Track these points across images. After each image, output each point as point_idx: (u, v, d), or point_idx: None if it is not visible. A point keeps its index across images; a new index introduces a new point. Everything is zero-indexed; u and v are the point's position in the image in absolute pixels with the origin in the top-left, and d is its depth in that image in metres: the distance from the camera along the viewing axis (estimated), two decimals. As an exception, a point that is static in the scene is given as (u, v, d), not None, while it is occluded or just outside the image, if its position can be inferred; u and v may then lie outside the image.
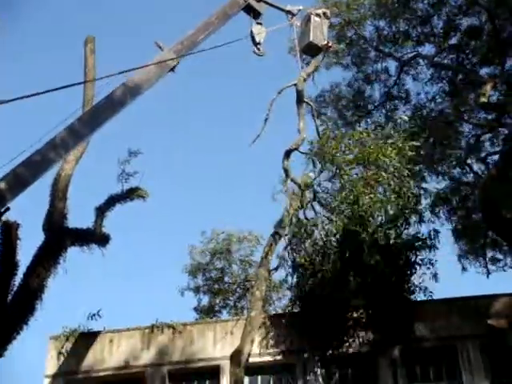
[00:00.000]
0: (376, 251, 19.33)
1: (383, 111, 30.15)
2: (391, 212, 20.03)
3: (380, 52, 29.97)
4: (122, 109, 12.28)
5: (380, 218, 20.18)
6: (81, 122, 11.52)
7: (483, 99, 24.71)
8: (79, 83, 11.40)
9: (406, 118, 26.57)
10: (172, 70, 13.41)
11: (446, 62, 29.28)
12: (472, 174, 28.64)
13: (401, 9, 28.39)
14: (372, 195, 19.82)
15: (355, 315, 20.19)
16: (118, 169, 21.86)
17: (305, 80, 24.21)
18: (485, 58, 27.73)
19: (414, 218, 20.62)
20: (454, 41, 29.06)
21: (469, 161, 28.24)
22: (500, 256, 28.25)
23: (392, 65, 30.23)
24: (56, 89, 10.45)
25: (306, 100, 23.80)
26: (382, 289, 19.39)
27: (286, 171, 22.44)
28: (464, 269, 28.03)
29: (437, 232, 20.82)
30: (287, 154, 22.52)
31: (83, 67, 20.28)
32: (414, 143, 21.34)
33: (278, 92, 24.19)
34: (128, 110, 12.63)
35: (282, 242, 21.51)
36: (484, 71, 28.30)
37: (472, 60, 28.55)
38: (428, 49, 29.53)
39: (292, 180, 22.27)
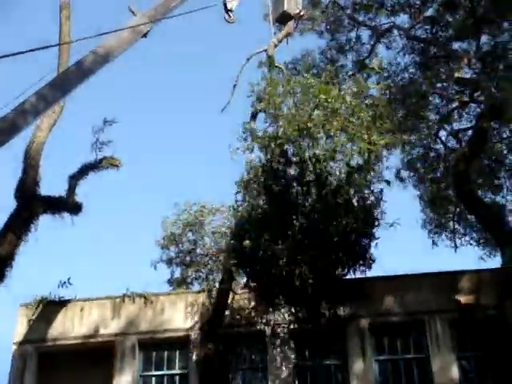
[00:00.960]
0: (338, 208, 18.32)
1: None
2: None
3: (354, 20, 29.84)
4: (92, 75, 12.11)
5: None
6: (50, 87, 11.31)
7: (457, 74, 24.82)
8: (51, 46, 11.13)
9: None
10: (145, 35, 13.21)
11: (420, 33, 29.27)
12: (442, 146, 28.85)
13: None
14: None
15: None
16: (92, 137, 21.54)
17: (276, 46, 23.97)
18: (460, 33, 27.71)
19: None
20: (430, 12, 29.01)
21: (440, 133, 28.44)
22: (466, 230, 28.52)
23: (365, 34, 30.14)
24: (28, 51, 10.24)
25: (277, 65, 23.55)
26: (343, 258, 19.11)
27: (250, 132, 21.62)
28: (434, 243, 28.22)
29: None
30: (253, 116, 22.00)
31: (58, 34, 19.99)
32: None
33: (247, 58, 24.01)
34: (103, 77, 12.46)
35: None
36: (458, 46, 28.33)
37: (446, 34, 28.54)
38: (403, 19, 29.48)
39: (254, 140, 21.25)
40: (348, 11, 29.89)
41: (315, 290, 18.42)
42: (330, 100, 18.39)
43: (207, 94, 51.97)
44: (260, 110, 20.58)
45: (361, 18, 29.87)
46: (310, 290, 18.12)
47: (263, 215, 18.58)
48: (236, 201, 19.65)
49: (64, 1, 20.50)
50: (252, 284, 19.67)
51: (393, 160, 27.19)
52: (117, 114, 31.19)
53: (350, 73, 28.97)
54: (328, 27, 30.14)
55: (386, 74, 29.31)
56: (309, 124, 18.13)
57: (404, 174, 29.29)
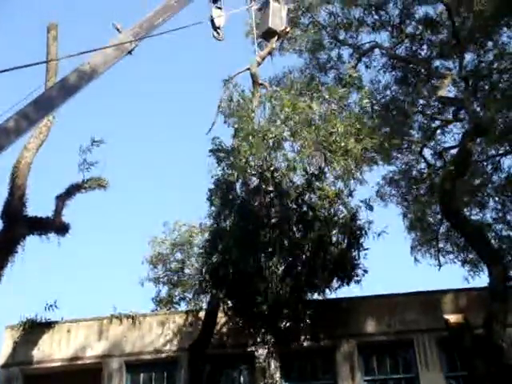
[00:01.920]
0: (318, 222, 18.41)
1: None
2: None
3: (335, 39, 29.99)
4: (76, 92, 12.09)
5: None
6: (35, 105, 11.26)
7: (441, 92, 24.99)
8: (36, 64, 11.06)
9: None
10: (130, 52, 13.21)
11: (400, 51, 29.44)
12: (425, 164, 28.96)
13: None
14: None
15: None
16: (79, 158, 21.43)
17: (259, 64, 24.09)
18: (443, 52, 27.94)
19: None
20: (409, 30, 29.24)
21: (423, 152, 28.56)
22: (450, 248, 28.55)
23: (346, 52, 30.26)
24: (14, 68, 10.20)
25: (260, 82, 23.63)
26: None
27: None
28: (416, 260, 28.20)
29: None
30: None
31: (46, 54, 19.94)
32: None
33: (230, 77, 24.05)
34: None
35: None
36: (440, 63, 28.55)
37: (428, 52, 28.76)
38: (383, 37, 29.66)
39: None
40: (328, 29, 30.04)
41: (294, 310, 18.48)
42: (297, 112, 18.63)
43: (194, 110, 51.81)
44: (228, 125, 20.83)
45: (341, 37, 30.02)
46: (289, 310, 18.19)
47: (229, 231, 18.58)
48: (206, 217, 19.89)
49: (52, 22, 20.50)
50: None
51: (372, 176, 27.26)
52: (103, 133, 31.14)
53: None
54: (308, 46, 30.27)
55: (367, 91, 29.55)
56: (268, 135, 18.33)
57: (385, 190, 29.36)
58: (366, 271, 19.31)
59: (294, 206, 18.76)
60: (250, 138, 18.52)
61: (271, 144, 18.73)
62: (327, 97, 20.57)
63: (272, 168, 18.64)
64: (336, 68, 30.23)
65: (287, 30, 18.34)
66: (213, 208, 19.38)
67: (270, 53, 25.22)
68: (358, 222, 19.21)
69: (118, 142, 50.01)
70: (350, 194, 19.44)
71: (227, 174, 19.11)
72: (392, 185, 29.30)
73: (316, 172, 18.92)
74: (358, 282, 19.27)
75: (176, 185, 51.72)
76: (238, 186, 19.14)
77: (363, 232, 19.18)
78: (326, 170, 19.03)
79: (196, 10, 15.71)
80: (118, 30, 13.25)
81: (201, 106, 49.76)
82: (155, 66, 50.06)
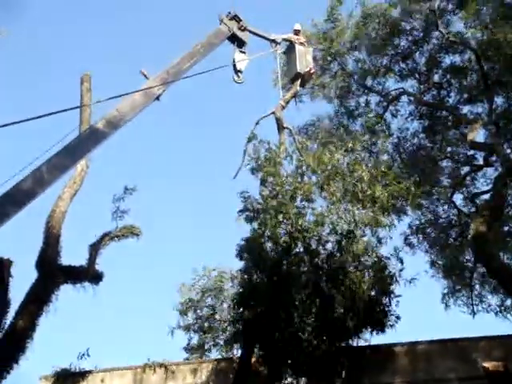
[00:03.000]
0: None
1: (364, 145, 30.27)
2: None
3: (362, 86, 30.26)
4: (105, 139, 12.24)
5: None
6: (65, 151, 11.41)
7: (471, 138, 24.99)
8: (69, 109, 11.20)
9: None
10: (157, 98, 13.42)
11: (428, 98, 29.61)
12: (456, 210, 28.86)
13: (382, 44, 28.74)
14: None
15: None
16: (112, 205, 21.65)
17: (283, 107, 24.22)
18: (470, 97, 28.06)
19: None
20: (436, 77, 29.45)
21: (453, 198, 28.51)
22: (486, 293, 28.20)
23: (373, 98, 30.50)
24: (49, 114, 10.37)
25: (285, 126, 23.73)
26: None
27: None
28: (447, 306, 27.92)
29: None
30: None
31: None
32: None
33: (255, 123, 24.21)
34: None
35: None
36: (467, 109, 28.65)
37: (455, 98, 28.89)
38: (410, 84, 29.88)
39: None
40: (356, 77, 30.32)
41: (330, 360, 18.35)
42: (323, 164, 18.73)
43: (221, 156, 52.10)
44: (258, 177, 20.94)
45: (369, 84, 30.28)
46: (325, 359, 18.09)
47: (261, 287, 18.66)
48: (238, 270, 20.09)
49: (85, 73, 20.86)
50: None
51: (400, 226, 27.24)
52: (133, 179, 31.35)
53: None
54: (336, 93, 30.55)
55: (395, 140, 29.69)
56: (297, 193, 18.40)
57: (414, 238, 29.25)
58: (398, 317, 19.35)
59: (325, 266, 18.81)
60: (280, 195, 18.60)
61: (299, 202, 18.90)
62: (351, 145, 20.61)
63: (301, 227, 18.69)
64: (364, 114, 30.48)
65: (312, 70, 18.47)
66: (243, 262, 19.56)
67: (294, 96, 25.43)
68: (389, 270, 19.28)
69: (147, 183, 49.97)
70: (379, 241, 19.47)
71: (257, 232, 19.24)
72: (419, 233, 29.20)
73: (345, 232, 18.87)
74: (391, 326, 19.31)
75: (206, 231, 51.54)
76: (268, 245, 19.20)
77: (394, 279, 19.25)
78: (354, 227, 18.98)
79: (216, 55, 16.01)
80: (145, 76, 13.48)
81: (226, 150, 49.90)
82: (180, 109, 50.59)
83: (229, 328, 21.83)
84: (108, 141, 12.49)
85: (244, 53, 16.91)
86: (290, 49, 18.09)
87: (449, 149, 29.22)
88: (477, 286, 27.95)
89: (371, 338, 19.54)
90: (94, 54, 50.59)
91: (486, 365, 19.31)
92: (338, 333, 18.49)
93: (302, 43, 18.32)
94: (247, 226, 19.66)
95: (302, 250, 18.95)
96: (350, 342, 19.22)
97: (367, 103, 30.70)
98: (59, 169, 11.31)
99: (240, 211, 19.60)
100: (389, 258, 19.47)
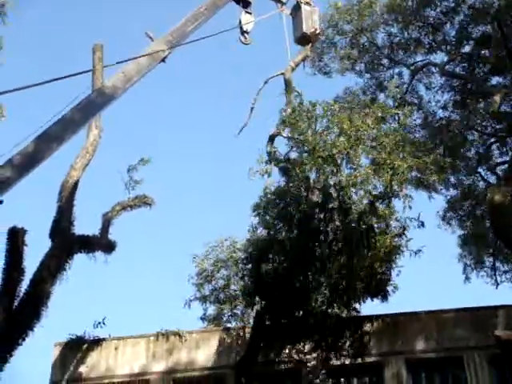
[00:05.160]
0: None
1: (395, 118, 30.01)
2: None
3: (391, 60, 29.93)
4: (113, 100, 12.30)
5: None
6: (74, 112, 11.51)
7: (493, 108, 24.61)
8: (80, 73, 11.26)
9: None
10: (163, 60, 13.40)
11: (457, 70, 29.18)
12: (482, 182, 28.50)
13: (413, 16, 28.32)
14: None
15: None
16: (125, 175, 21.80)
17: (293, 69, 24.07)
18: (495, 68, 27.58)
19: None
20: (466, 49, 28.98)
21: (479, 169, 28.11)
22: (506, 268, 27.98)
23: (405, 71, 30.19)
24: (60, 78, 10.43)
25: (294, 89, 23.57)
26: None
27: (269, 155, 21.58)
28: (467, 278, 27.75)
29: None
30: (271, 139, 22.00)
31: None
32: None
33: (264, 81, 24.12)
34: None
35: None
36: (496, 80, 28.18)
37: (483, 69, 28.44)
38: (440, 57, 29.46)
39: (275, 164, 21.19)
40: (386, 50, 29.99)
41: (339, 324, 18.35)
42: (352, 128, 18.46)
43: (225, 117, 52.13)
44: (278, 135, 20.78)
45: (399, 57, 29.94)
46: (333, 323, 18.11)
47: (282, 241, 18.51)
48: (252, 225, 19.76)
49: (97, 43, 20.85)
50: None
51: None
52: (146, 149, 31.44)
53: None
54: (367, 66, 30.29)
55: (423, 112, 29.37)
56: (333, 151, 18.14)
57: (450, 215, 29.03)
58: (396, 287, 19.16)
59: (355, 226, 18.48)
60: (315, 152, 18.45)
61: (337, 159, 18.66)
62: (380, 115, 20.27)
63: (338, 185, 18.48)
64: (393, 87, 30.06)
65: (318, 31, 18.24)
66: (266, 218, 19.20)
67: (304, 59, 25.25)
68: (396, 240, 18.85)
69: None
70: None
71: (288, 186, 19.07)
72: (452, 209, 28.96)
73: (380, 194, 18.64)
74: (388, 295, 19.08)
75: (218, 201, 51.66)
76: (299, 200, 18.82)
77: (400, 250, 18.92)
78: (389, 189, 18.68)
79: (223, 15, 15.90)
80: (150, 38, 13.50)
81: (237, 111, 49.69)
82: (187, 72, 50.71)
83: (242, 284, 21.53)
84: (116, 101, 12.56)
85: (250, 13, 16.79)
86: (296, 9, 17.90)
87: (477, 121, 28.81)
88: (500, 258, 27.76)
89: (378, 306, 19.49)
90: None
91: (498, 333, 19.21)
92: (348, 298, 18.52)
93: (307, 2, 18.12)
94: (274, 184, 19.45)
95: (335, 207, 18.59)
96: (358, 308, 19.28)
97: (399, 74, 30.37)
98: (71, 127, 11.45)
99: (270, 160, 19.47)
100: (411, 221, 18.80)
